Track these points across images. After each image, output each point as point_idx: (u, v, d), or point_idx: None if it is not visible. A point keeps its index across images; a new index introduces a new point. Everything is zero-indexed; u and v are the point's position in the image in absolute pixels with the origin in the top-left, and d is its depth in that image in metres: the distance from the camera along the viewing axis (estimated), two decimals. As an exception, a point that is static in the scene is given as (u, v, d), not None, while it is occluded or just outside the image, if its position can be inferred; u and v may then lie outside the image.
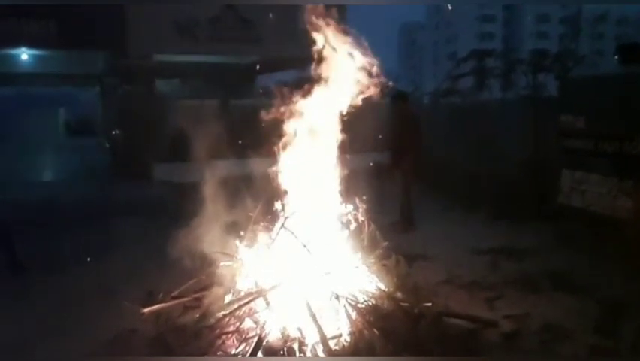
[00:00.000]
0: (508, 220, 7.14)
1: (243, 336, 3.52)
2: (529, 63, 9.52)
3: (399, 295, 3.97)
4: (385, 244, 4.46)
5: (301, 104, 4.06)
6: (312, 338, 3.37)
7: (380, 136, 8.10)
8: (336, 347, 3.34)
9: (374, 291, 3.91)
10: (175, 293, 4.06)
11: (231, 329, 3.58)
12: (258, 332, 3.46)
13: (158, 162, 11.51)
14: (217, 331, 3.55)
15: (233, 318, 3.62)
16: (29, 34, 13.27)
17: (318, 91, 4.07)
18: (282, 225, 3.95)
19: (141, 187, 10.48)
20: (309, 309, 3.46)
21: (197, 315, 3.73)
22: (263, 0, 13.63)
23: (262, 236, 4.21)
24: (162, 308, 3.88)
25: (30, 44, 14.08)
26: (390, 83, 4.53)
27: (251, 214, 4.36)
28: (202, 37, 14.36)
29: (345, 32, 3.95)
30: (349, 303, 3.60)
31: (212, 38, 14.46)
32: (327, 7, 3.96)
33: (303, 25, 4.02)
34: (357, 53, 3.91)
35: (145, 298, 4.06)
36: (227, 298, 3.83)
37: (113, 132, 14.04)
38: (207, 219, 4.24)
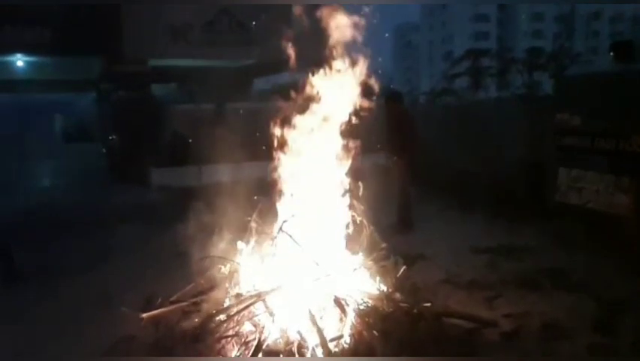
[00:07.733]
0: (506, 219, 7.15)
1: (243, 340, 3.51)
2: (525, 62, 9.54)
3: (398, 295, 3.97)
4: (384, 245, 4.46)
5: (298, 107, 4.06)
6: (311, 341, 3.37)
7: (376, 137, 8.09)
8: (336, 349, 3.34)
9: (373, 292, 3.91)
10: (173, 298, 4.05)
11: (231, 333, 3.57)
12: (258, 335, 3.46)
13: (155, 166, 11.50)
14: (217, 335, 3.54)
15: (232, 322, 3.62)
16: (25, 40, 13.27)
17: (314, 94, 4.08)
18: (280, 228, 3.94)
19: (138, 192, 10.47)
20: (309, 312, 3.46)
21: (197, 320, 3.72)
22: (262, 0, 13.61)
23: (260, 239, 4.21)
24: (161, 314, 3.87)
25: (26, 51, 14.08)
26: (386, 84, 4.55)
27: (249, 218, 4.36)
28: (197, 41, 14.40)
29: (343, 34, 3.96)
30: (348, 305, 3.60)
31: (208, 43, 14.49)
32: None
33: (298, 28, 4.03)
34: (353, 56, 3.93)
35: (143, 303, 4.05)
36: (226, 302, 3.83)
37: (110, 138, 14.04)
38: (205, 223, 4.24)
